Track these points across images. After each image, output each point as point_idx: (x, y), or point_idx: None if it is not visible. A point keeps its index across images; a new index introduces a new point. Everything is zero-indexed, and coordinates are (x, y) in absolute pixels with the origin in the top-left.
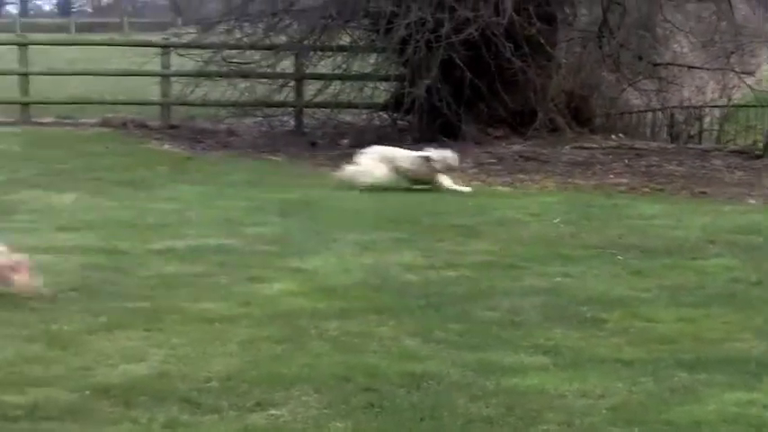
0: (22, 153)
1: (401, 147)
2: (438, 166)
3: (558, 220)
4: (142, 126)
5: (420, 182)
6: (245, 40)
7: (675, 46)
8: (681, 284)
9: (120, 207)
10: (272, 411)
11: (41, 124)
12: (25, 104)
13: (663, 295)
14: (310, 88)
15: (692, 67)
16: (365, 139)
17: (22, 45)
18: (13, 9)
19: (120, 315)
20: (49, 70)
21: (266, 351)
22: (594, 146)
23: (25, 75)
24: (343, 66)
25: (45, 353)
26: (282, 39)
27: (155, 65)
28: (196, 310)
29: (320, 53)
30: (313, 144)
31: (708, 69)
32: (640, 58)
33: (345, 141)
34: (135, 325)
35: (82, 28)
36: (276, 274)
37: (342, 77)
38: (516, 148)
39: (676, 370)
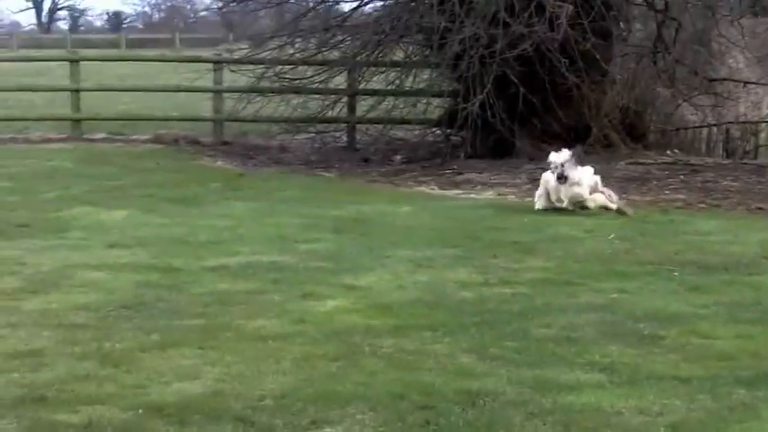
0: (74, 169)
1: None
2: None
3: (613, 236)
4: (194, 142)
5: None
6: (297, 55)
7: (731, 61)
8: (738, 301)
9: (173, 224)
10: (328, 430)
11: (93, 140)
12: (77, 121)
13: (720, 312)
14: (363, 104)
15: (748, 83)
16: (418, 155)
17: (74, 61)
18: (63, 25)
19: (174, 333)
20: (101, 86)
21: (321, 369)
22: (650, 161)
23: (77, 91)
24: (397, 81)
25: (98, 371)
26: (335, 54)
27: (207, 81)
28: (250, 328)
29: (373, 69)
30: (366, 160)
31: (764, 84)
32: (696, 74)
33: (398, 157)
34: (189, 342)
35: (133, 44)
36: (330, 291)
37: (395, 93)
38: None
39: (735, 387)
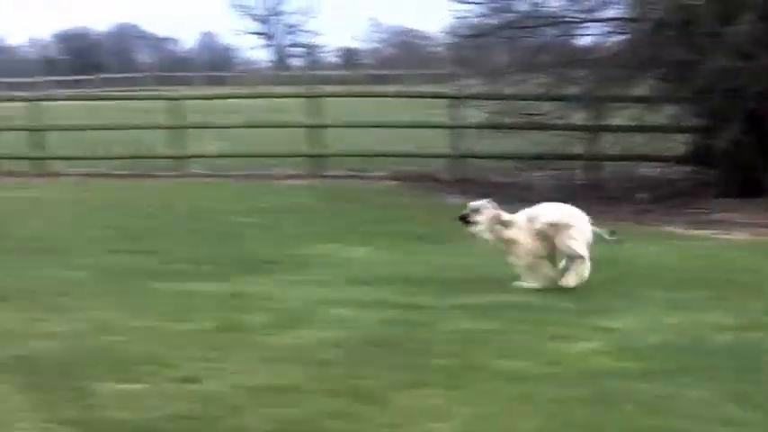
0: (315, 206)
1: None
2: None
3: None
4: (432, 179)
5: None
6: (536, 90)
7: None
8: None
9: (415, 261)
10: None
11: (331, 177)
12: (315, 157)
13: None
14: (605, 140)
15: None
16: (664, 193)
17: (310, 98)
18: (298, 62)
19: (423, 371)
20: (340, 122)
21: (576, 412)
22: None
23: (314, 127)
24: (639, 117)
25: (350, 408)
26: (574, 89)
27: (444, 117)
28: (500, 368)
29: (614, 104)
30: (609, 198)
31: None
32: None
33: (643, 195)
34: (438, 382)
35: (366, 80)
36: (580, 333)
37: (637, 129)
38: None
39: None
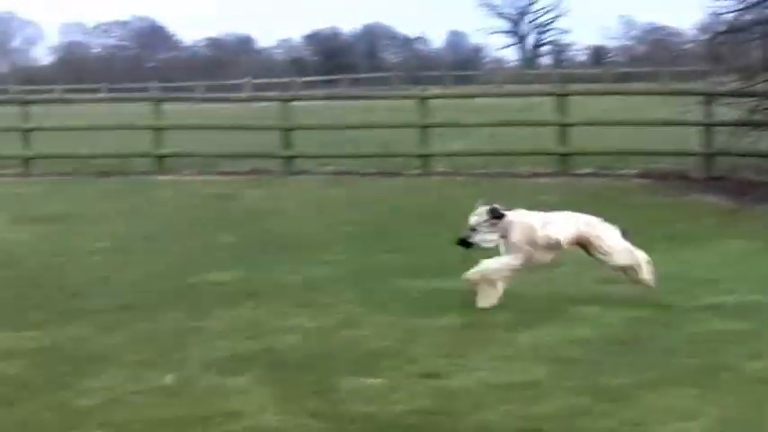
0: (563, 205)
1: None
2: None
3: None
4: (684, 177)
5: None
6: None
7: None
8: None
9: (665, 261)
10: None
11: (580, 175)
12: (563, 155)
13: None
14: None
15: None
16: None
17: (560, 95)
18: (547, 60)
19: (670, 371)
20: (588, 120)
21: None
22: None
23: (564, 125)
24: None
25: (594, 406)
26: None
27: (696, 114)
28: (750, 369)
29: None
30: None
31: None
32: None
33: None
34: (685, 382)
35: (616, 78)
36: None
37: None
38: None
39: None
